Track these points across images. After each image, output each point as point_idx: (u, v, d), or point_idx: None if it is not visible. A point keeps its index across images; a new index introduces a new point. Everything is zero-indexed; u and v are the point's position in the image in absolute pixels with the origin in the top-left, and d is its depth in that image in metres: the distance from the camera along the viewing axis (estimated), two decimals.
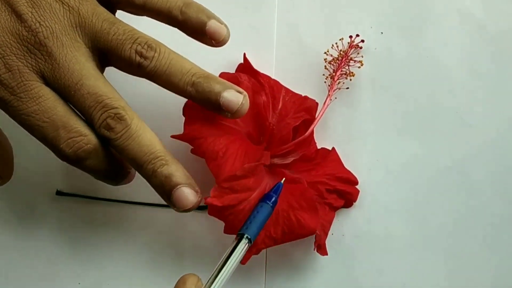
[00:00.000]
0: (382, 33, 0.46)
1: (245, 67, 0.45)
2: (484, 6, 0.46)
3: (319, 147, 0.45)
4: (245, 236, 0.37)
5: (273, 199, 0.39)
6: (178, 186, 0.37)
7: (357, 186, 0.45)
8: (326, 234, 0.43)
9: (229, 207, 0.38)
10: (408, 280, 0.45)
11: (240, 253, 0.37)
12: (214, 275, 0.35)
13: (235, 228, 0.39)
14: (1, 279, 0.45)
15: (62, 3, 0.37)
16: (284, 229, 0.40)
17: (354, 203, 0.45)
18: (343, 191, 0.44)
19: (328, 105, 0.43)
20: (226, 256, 0.37)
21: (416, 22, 0.46)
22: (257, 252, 0.41)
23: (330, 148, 0.45)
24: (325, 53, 0.45)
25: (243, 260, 0.39)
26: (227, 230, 0.40)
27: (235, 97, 0.38)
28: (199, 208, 0.44)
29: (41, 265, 0.45)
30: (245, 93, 0.38)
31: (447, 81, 0.46)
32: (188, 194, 0.37)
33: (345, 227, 0.45)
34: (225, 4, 0.46)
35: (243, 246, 0.37)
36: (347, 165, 0.45)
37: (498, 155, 0.46)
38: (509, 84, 0.46)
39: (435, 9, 0.46)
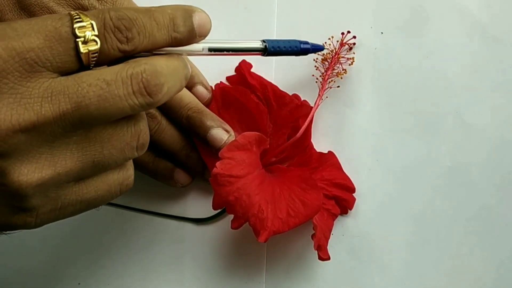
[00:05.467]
0: (382, 33, 0.46)
1: (240, 73, 0.45)
2: (484, 6, 0.46)
3: (319, 149, 0.45)
4: (262, 39, 0.36)
5: (308, 45, 0.39)
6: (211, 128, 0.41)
7: (356, 187, 0.45)
8: (327, 239, 0.43)
9: (227, 176, 0.38)
10: (408, 280, 0.45)
11: (250, 46, 0.35)
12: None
13: (223, 204, 0.39)
14: (1, 280, 0.45)
15: None
16: (289, 212, 0.40)
17: (349, 211, 0.45)
18: (340, 198, 0.44)
19: (318, 105, 0.43)
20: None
21: (416, 22, 0.46)
22: (268, 235, 0.39)
23: (330, 151, 0.45)
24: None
25: (261, 238, 0.38)
26: (215, 204, 0.40)
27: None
28: (199, 220, 0.45)
29: (41, 265, 0.45)
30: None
31: (447, 81, 0.46)
32: (221, 134, 0.41)
33: (345, 227, 0.45)
34: (225, 5, 0.46)
35: (257, 44, 0.36)
36: (347, 166, 0.45)
37: (499, 155, 0.46)
38: (509, 84, 0.46)
39: (435, 9, 0.46)
